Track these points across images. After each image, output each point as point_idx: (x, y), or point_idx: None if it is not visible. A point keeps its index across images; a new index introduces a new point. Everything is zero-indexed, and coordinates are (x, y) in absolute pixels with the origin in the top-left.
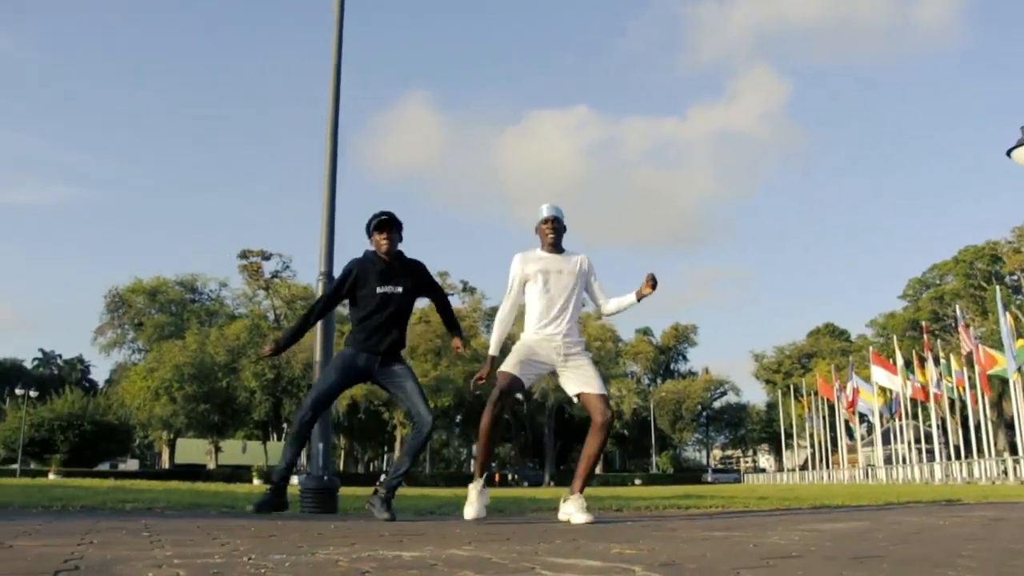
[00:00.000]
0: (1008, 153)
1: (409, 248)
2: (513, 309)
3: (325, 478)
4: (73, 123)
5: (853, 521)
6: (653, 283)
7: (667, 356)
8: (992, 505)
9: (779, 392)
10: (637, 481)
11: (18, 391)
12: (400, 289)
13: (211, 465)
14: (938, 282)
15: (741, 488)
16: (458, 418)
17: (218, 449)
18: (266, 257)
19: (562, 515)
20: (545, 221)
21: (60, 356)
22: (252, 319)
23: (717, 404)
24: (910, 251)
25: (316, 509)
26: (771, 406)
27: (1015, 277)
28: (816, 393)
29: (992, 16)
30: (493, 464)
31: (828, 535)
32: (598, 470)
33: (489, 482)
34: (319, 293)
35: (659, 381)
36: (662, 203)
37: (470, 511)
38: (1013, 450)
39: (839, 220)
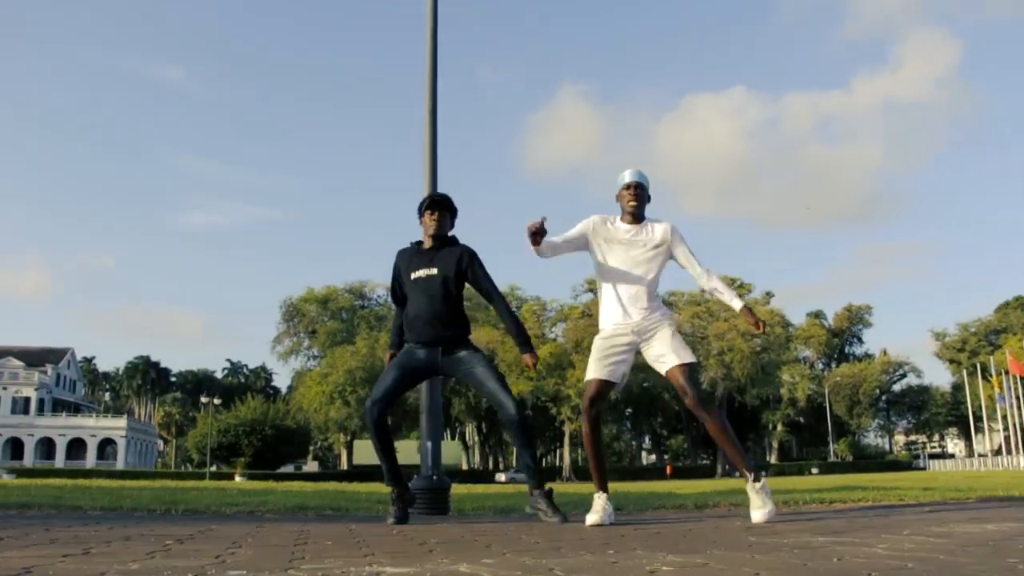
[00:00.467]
0: None
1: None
2: (563, 242)
3: (435, 478)
4: (240, 145)
5: (1009, 522)
6: (759, 326)
7: (841, 339)
8: None
9: (964, 372)
10: (814, 470)
11: (203, 399)
12: (436, 271)
13: None
14: None
15: (911, 477)
16: (628, 410)
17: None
18: None
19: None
20: (627, 187)
21: (246, 366)
22: None
23: (897, 387)
24: None
25: (427, 510)
26: (956, 387)
27: None
28: (1007, 372)
29: None
30: (666, 456)
31: (958, 540)
32: (772, 459)
33: (661, 475)
34: None
35: (833, 365)
36: (830, 180)
37: (593, 518)
38: None
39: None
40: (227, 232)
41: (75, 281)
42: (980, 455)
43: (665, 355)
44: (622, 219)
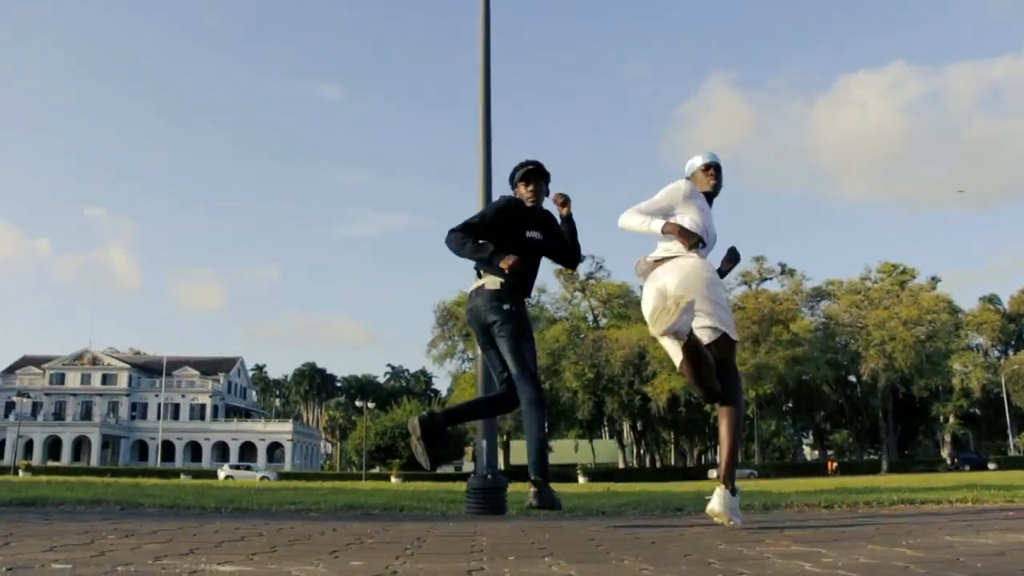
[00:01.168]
0: None
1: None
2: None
3: (490, 477)
4: (391, 156)
5: None
6: (733, 258)
7: (1018, 324)
8: None
9: None
10: (991, 466)
11: (357, 403)
12: (540, 236)
13: None
14: None
15: None
16: (788, 404)
17: (548, 449)
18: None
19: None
20: (707, 168)
21: (407, 370)
22: (571, 321)
23: None
24: None
25: (482, 510)
26: None
27: None
28: None
29: None
30: (830, 452)
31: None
32: (945, 453)
33: (823, 471)
34: None
35: (1011, 352)
36: (1000, 153)
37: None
38: None
39: None
40: (383, 240)
41: (244, 293)
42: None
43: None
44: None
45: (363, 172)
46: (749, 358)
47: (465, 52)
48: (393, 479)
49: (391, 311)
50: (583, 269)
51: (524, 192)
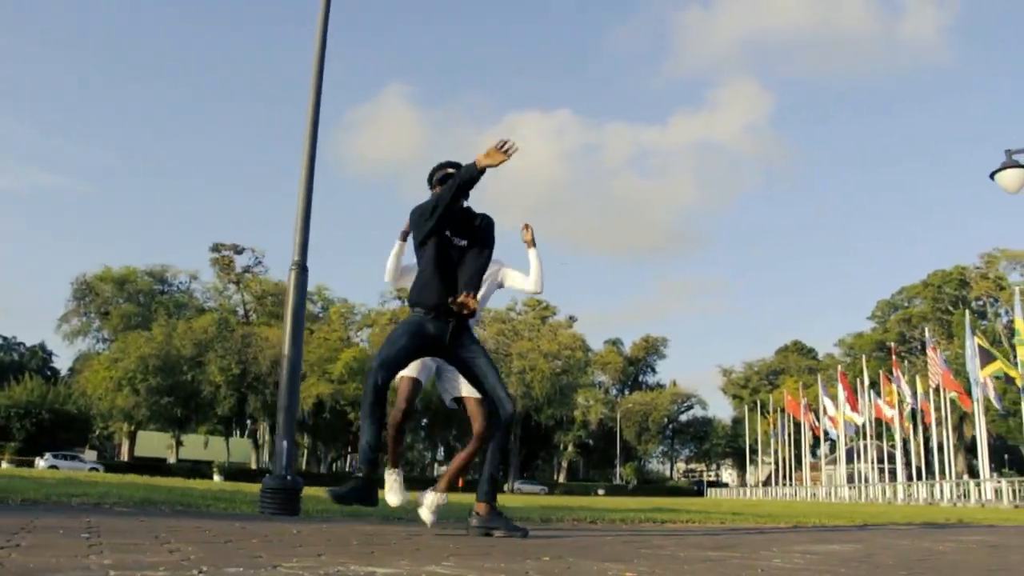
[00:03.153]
0: (992, 176)
1: (367, 243)
2: None
3: (288, 478)
4: (51, 112)
5: (847, 543)
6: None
7: (636, 367)
8: (973, 528)
9: (746, 407)
10: (600, 492)
11: None
12: (464, 242)
13: (171, 459)
14: (906, 304)
15: (708, 502)
16: (424, 420)
17: (179, 443)
18: (239, 251)
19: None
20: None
21: (23, 343)
22: (221, 313)
23: (684, 417)
24: (880, 272)
25: (277, 510)
26: (737, 421)
27: (981, 302)
28: (783, 410)
29: (975, 38)
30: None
31: (831, 558)
32: (561, 478)
33: (453, 487)
34: (291, 283)
35: (626, 392)
36: (640, 212)
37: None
38: (972, 472)
39: (814, 237)
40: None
41: None
42: (752, 485)
43: None
44: None
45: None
46: None
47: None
48: (4, 464)
49: (12, 276)
50: (240, 262)
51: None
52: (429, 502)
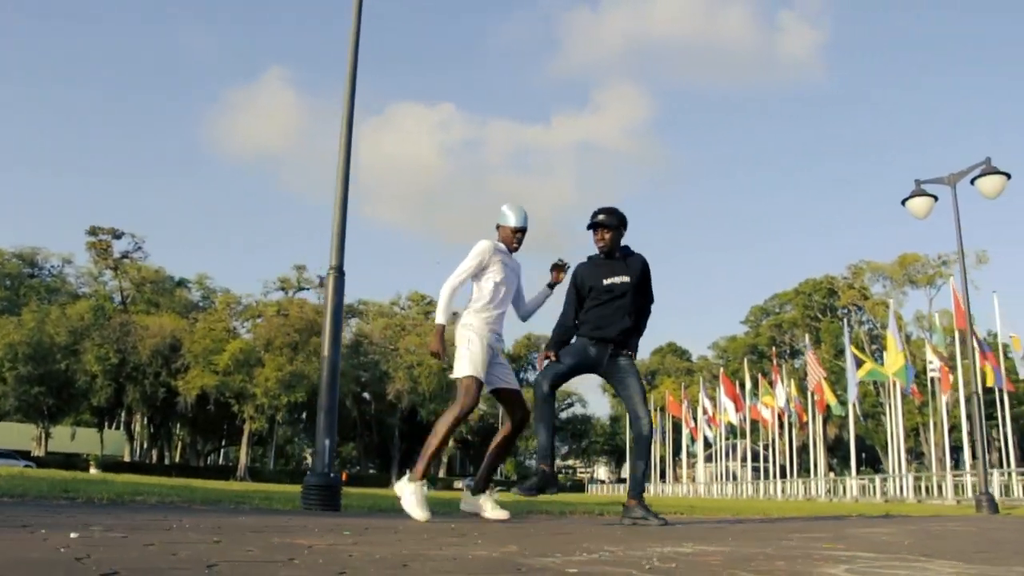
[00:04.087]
0: (903, 203)
1: (246, 231)
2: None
3: (331, 475)
4: None
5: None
6: (562, 268)
7: (518, 365)
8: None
9: (623, 406)
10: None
11: None
12: (628, 279)
13: (39, 452)
14: (778, 310)
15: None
16: (303, 414)
17: (48, 435)
18: (117, 236)
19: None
20: (516, 231)
21: None
22: (97, 300)
23: (564, 415)
24: (754, 279)
25: (321, 506)
26: (615, 419)
27: (846, 310)
28: (663, 409)
29: (848, 57)
30: (336, 463)
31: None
32: (441, 472)
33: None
34: (329, 287)
35: None
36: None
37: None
38: (831, 470)
39: (690, 242)
40: None
41: None
42: (624, 481)
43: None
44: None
45: None
46: (286, 364)
47: None
48: None
49: None
50: (119, 247)
51: (595, 240)
52: (491, 506)
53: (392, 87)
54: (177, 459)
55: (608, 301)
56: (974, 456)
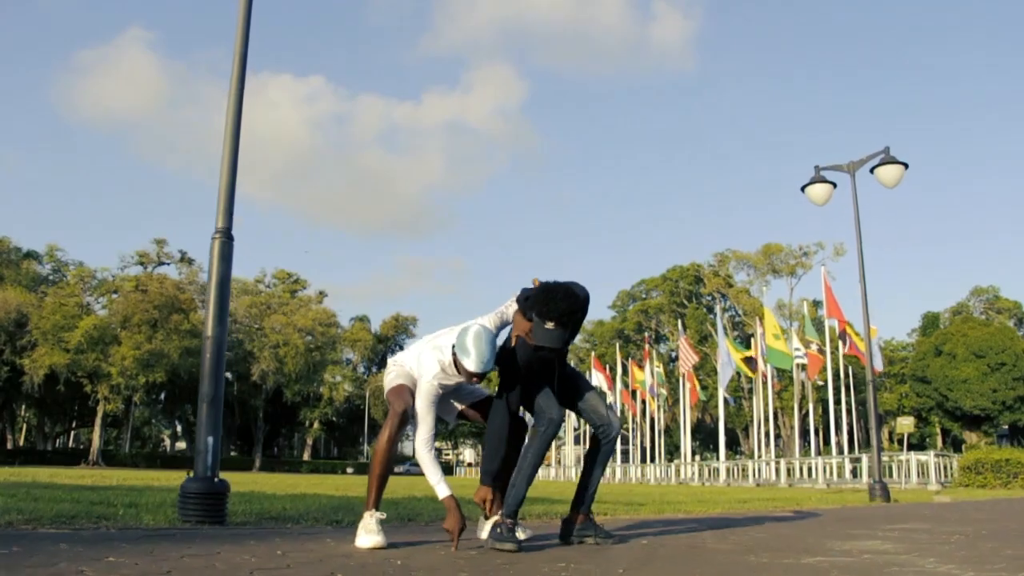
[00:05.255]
0: (802, 189)
1: (102, 202)
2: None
3: (216, 480)
4: None
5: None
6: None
7: (386, 345)
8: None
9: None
10: (349, 470)
11: None
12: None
13: None
14: (645, 296)
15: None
16: (162, 395)
17: None
18: None
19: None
20: (473, 376)
21: None
22: None
23: None
24: (621, 265)
25: (203, 517)
26: None
27: (711, 297)
28: None
29: (718, 46)
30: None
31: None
32: (306, 456)
33: (190, 463)
34: (214, 253)
35: (375, 370)
36: (387, 187)
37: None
38: (693, 453)
39: (558, 225)
40: None
41: None
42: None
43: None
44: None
45: None
46: (144, 343)
47: None
48: None
49: None
50: None
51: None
52: (488, 527)
53: (260, 56)
54: (22, 443)
55: None
56: (826, 443)
